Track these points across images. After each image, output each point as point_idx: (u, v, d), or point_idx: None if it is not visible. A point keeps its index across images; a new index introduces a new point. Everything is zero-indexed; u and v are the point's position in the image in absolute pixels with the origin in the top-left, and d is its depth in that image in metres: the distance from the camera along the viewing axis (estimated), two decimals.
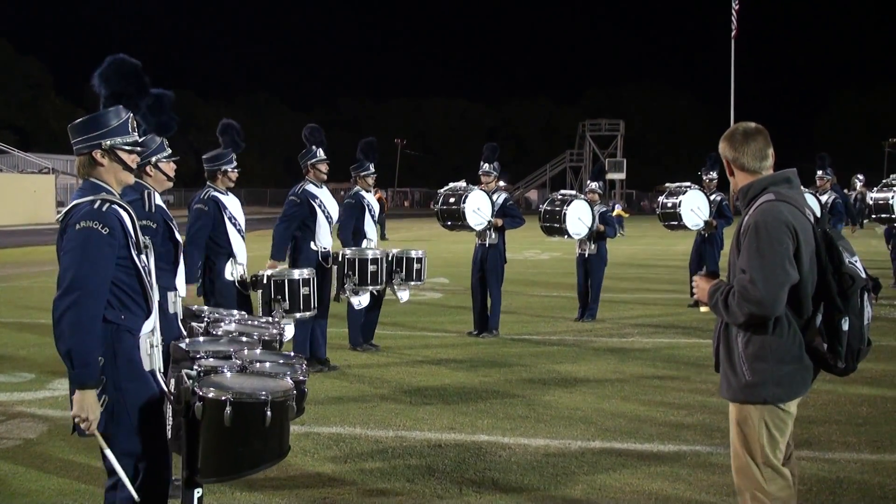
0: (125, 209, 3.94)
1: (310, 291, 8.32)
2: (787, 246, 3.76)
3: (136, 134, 4.06)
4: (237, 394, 3.73)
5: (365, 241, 10.34)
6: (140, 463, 3.90)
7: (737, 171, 4.06)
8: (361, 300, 9.95)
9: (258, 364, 4.27)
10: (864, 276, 3.88)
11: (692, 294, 13.47)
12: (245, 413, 3.71)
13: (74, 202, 3.90)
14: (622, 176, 73.18)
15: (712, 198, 14.31)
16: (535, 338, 11.51)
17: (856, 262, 3.89)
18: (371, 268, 9.72)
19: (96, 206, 3.83)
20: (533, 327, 12.38)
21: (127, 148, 4.00)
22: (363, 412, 7.57)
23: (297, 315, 8.27)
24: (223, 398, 3.70)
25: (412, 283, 10.37)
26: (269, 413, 3.73)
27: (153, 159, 5.40)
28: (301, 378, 4.09)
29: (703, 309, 4.16)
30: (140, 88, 4.26)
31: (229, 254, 7.80)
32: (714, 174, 14.86)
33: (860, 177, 21.53)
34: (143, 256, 3.98)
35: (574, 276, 13.52)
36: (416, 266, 10.27)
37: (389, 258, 10.14)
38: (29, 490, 5.65)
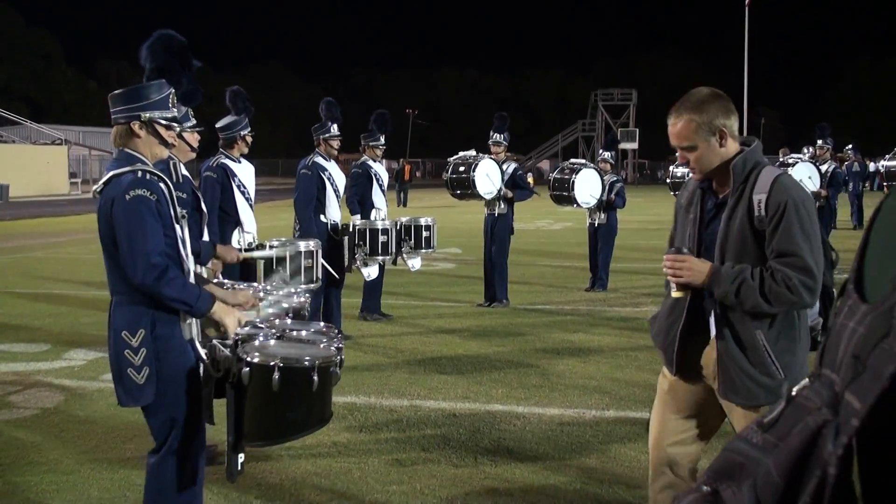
0: (163, 180, 3.99)
1: (312, 263, 8.31)
2: (818, 223, 3.46)
3: (175, 110, 4.12)
4: (285, 359, 3.76)
5: (374, 211, 10.33)
6: (176, 430, 3.99)
7: (729, 140, 3.53)
8: (371, 271, 9.97)
9: (294, 332, 4.29)
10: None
11: None
12: (293, 378, 3.74)
13: (112, 172, 3.95)
14: (635, 146, 72.83)
15: None
16: (547, 307, 11.50)
17: None
18: (381, 238, 9.73)
19: (139, 175, 3.89)
20: (545, 297, 12.37)
21: (164, 122, 4.04)
22: (378, 382, 7.60)
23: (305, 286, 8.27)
24: (271, 363, 3.71)
25: (422, 251, 10.36)
26: (315, 378, 3.75)
27: (177, 129, 5.41)
28: (339, 346, 4.11)
29: (675, 293, 3.58)
30: (185, 66, 4.30)
31: (236, 222, 7.77)
32: None
33: (850, 147, 21.41)
34: (178, 227, 4.03)
35: (586, 246, 13.49)
36: (425, 234, 10.26)
37: (398, 227, 10.13)
38: (47, 459, 5.69)
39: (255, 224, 7.95)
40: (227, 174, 7.75)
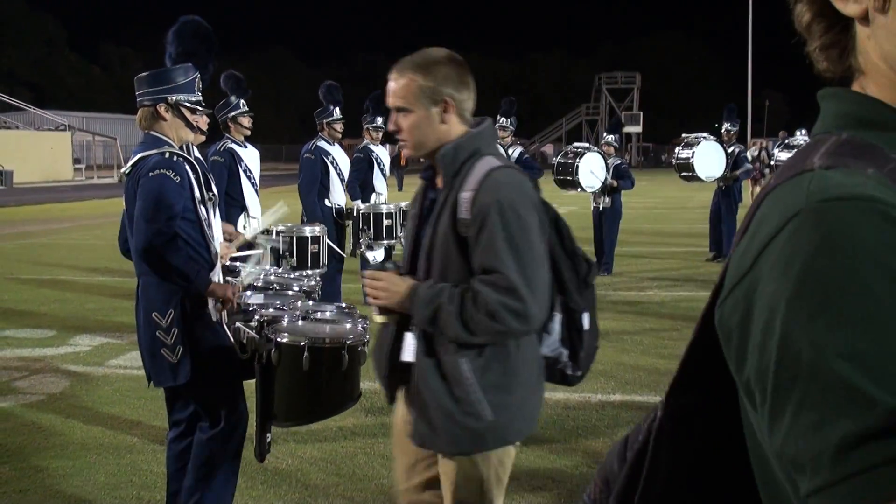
0: (190, 163, 4.05)
1: (319, 249, 8.30)
2: (538, 231, 2.74)
3: (200, 94, 4.18)
4: (313, 338, 3.75)
5: (374, 195, 10.30)
6: (221, 410, 4.06)
7: (454, 118, 2.81)
8: (376, 255, 9.96)
9: (318, 313, 4.29)
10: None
11: (711, 248, 13.42)
12: (323, 357, 3.74)
13: (140, 155, 4.01)
14: (639, 129, 72.65)
15: (730, 150, 14.17)
16: None
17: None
18: (386, 222, 9.70)
19: (166, 156, 3.96)
20: None
21: (190, 105, 4.11)
22: None
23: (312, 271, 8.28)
24: (301, 343, 3.71)
25: None
26: (346, 356, 3.74)
27: (202, 112, 5.44)
28: (365, 325, 4.10)
29: (378, 318, 2.93)
30: (210, 51, 4.35)
31: (242, 207, 7.76)
32: (729, 125, 14.71)
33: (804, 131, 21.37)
34: (204, 209, 4.07)
35: (591, 230, 13.47)
36: None
37: (399, 211, 10.11)
38: (53, 444, 5.70)
39: (261, 209, 7.94)
40: (235, 159, 7.75)
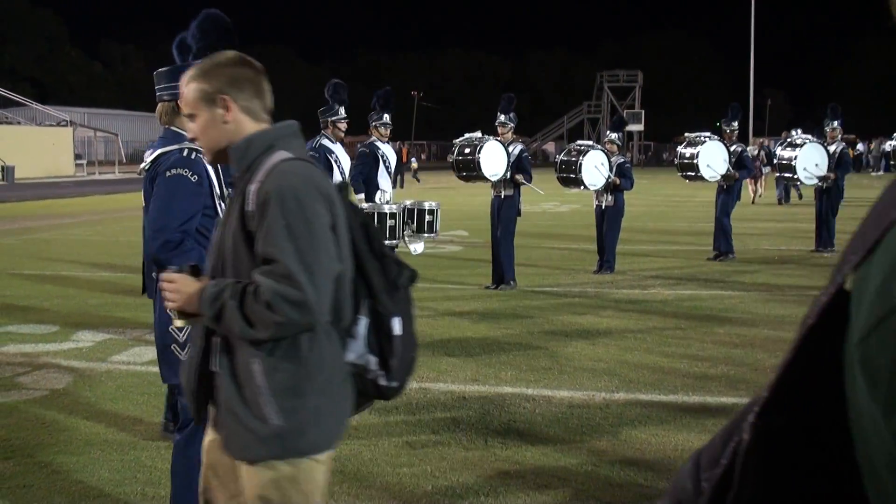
0: None
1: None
2: (325, 222, 2.64)
3: None
4: None
5: (378, 192, 10.29)
6: None
7: (241, 116, 2.78)
8: None
9: None
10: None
11: (714, 247, 13.43)
12: None
13: (160, 150, 4.06)
14: (640, 127, 72.67)
15: (732, 148, 14.19)
16: (555, 290, 11.48)
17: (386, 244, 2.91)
18: (389, 222, 9.69)
19: (185, 153, 4.00)
20: (553, 279, 12.35)
21: None
22: None
23: None
24: None
25: (424, 235, 10.28)
26: None
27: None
28: None
29: (177, 322, 2.84)
30: (232, 45, 4.38)
31: None
32: (735, 124, 14.75)
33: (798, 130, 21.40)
34: (224, 205, 4.09)
35: (593, 229, 13.45)
36: (427, 218, 10.18)
37: (402, 210, 10.09)
38: (57, 440, 5.70)
39: None
40: None
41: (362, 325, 2.75)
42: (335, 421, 2.73)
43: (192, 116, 2.81)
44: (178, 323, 2.83)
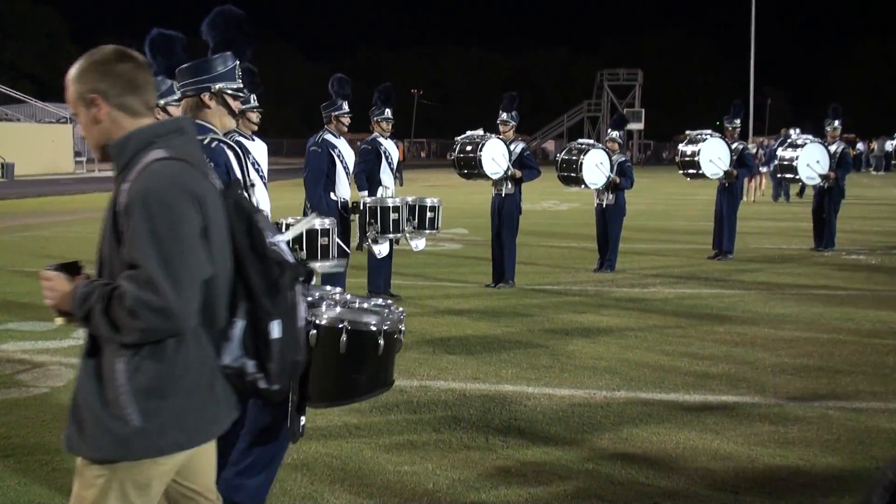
0: (232, 148, 4.18)
1: (328, 241, 8.27)
2: (194, 225, 2.60)
3: (240, 81, 4.31)
4: (353, 322, 3.79)
5: (381, 188, 10.28)
6: None
7: (116, 113, 2.71)
8: (382, 249, 9.94)
9: (356, 303, 4.31)
10: (292, 261, 2.88)
11: (714, 245, 13.45)
12: (360, 341, 3.78)
13: None
14: (640, 126, 72.63)
15: (734, 146, 14.19)
16: (555, 288, 11.47)
17: (279, 243, 2.87)
18: (392, 216, 9.67)
19: (205, 142, 4.09)
20: (553, 278, 12.34)
21: (232, 93, 4.26)
22: None
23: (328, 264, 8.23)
24: (339, 326, 3.75)
25: (426, 231, 10.26)
26: (381, 342, 3.78)
27: (161, 102, 5.43)
28: (402, 316, 4.12)
29: (57, 320, 2.78)
30: (247, 37, 4.44)
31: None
32: (738, 122, 14.74)
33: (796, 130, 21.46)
34: (246, 194, 4.12)
35: (593, 227, 13.44)
36: (429, 215, 10.13)
37: (404, 206, 10.07)
38: (58, 438, 5.67)
39: (269, 203, 7.91)
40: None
41: (238, 327, 2.74)
42: (198, 420, 2.70)
43: (76, 117, 2.78)
44: (58, 321, 2.78)
